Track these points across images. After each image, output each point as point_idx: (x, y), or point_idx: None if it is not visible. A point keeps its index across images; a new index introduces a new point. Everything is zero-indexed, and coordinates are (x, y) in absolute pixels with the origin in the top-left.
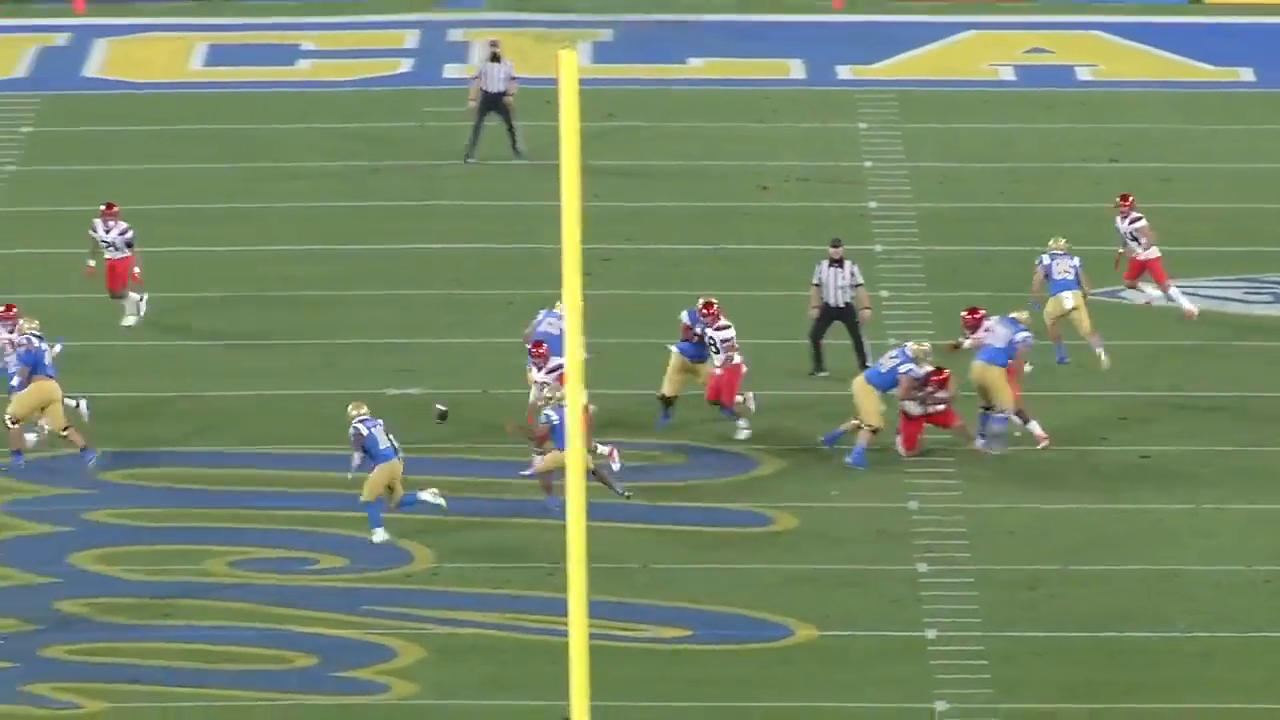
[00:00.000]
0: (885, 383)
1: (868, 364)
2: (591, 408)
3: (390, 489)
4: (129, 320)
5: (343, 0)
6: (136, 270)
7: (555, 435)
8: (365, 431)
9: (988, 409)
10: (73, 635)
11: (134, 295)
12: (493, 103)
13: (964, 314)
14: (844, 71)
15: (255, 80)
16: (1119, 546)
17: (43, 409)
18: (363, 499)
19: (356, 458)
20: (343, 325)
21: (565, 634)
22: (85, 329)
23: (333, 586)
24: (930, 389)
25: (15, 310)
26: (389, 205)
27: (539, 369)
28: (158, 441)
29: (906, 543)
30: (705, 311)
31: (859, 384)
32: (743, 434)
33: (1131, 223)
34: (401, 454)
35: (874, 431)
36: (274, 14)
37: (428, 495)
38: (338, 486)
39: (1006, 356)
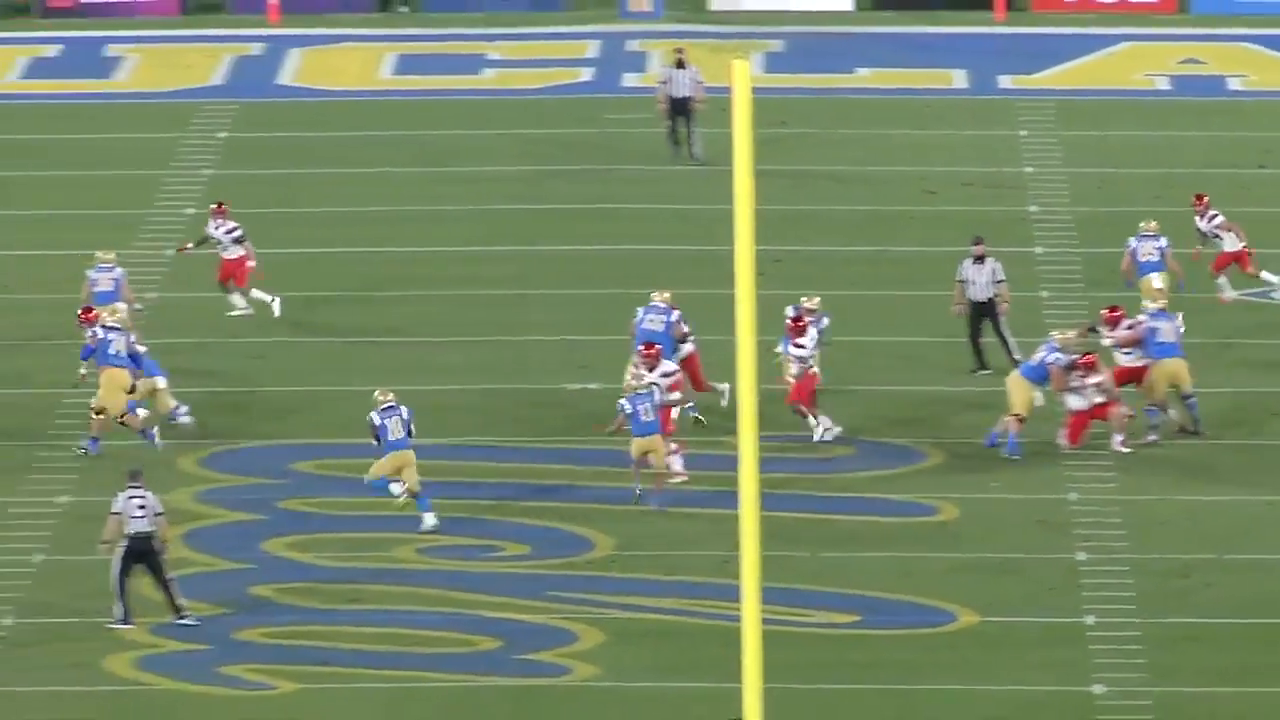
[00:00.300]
0: (1038, 375)
1: (1015, 356)
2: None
3: (400, 474)
4: (237, 311)
5: (528, 11)
6: (252, 264)
7: (632, 422)
8: (378, 422)
9: (1153, 404)
10: (266, 619)
11: (245, 292)
12: (680, 107)
13: (1103, 312)
14: (1005, 81)
15: (442, 88)
16: (1270, 536)
17: (122, 395)
18: (366, 478)
19: (376, 444)
20: (525, 323)
21: (739, 619)
22: (275, 326)
23: (516, 573)
24: (1079, 373)
25: (94, 314)
26: (569, 208)
27: (649, 370)
28: (348, 433)
29: (1066, 532)
30: (793, 325)
31: (1013, 378)
32: (819, 434)
33: (1210, 220)
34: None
35: (1020, 420)
36: (461, 25)
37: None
38: (522, 477)
39: (1180, 347)
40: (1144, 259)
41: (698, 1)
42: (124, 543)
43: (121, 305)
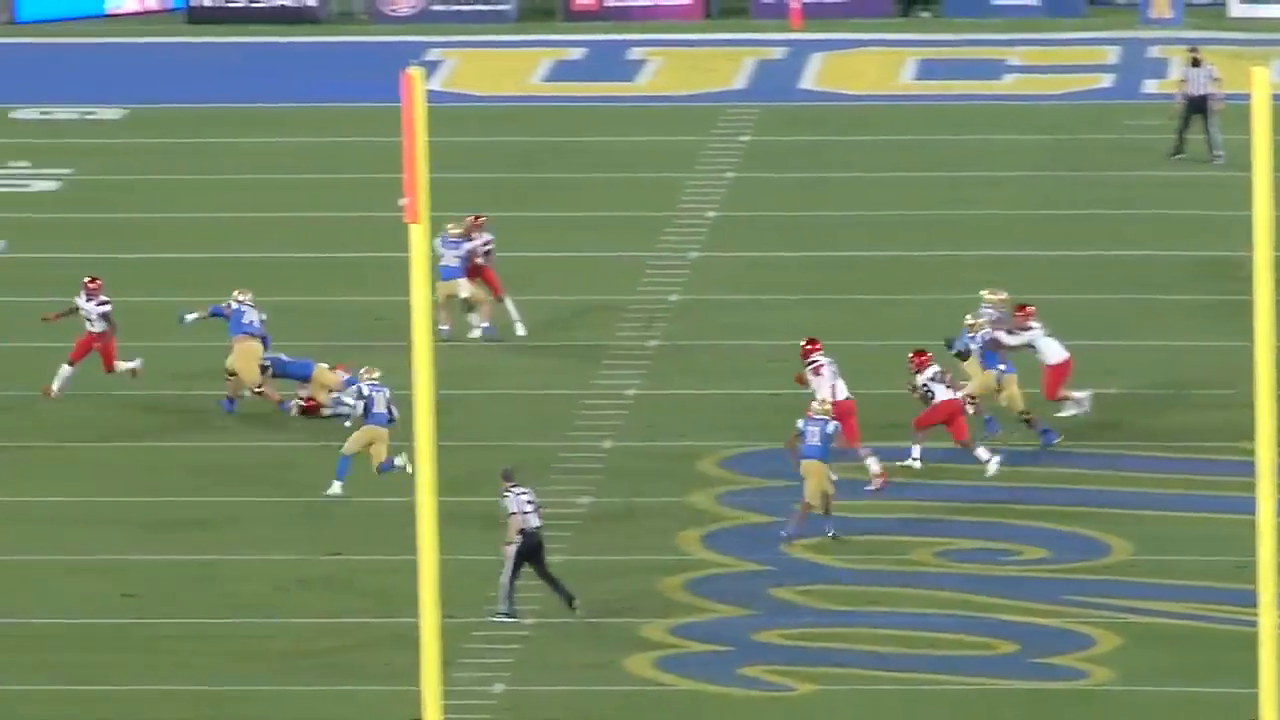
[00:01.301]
0: None
1: None
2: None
3: (371, 451)
4: (475, 333)
5: (1047, 17)
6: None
7: (801, 442)
8: (367, 393)
9: None
10: (785, 620)
11: (509, 305)
12: (1197, 106)
13: None
14: None
15: (962, 94)
16: None
17: (255, 364)
18: (342, 451)
19: (359, 406)
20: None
21: (1255, 625)
22: (793, 329)
23: (1034, 577)
24: None
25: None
26: (1087, 214)
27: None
28: (864, 437)
29: None
30: (915, 358)
31: None
32: (913, 460)
33: None
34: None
35: None
36: (983, 30)
37: (400, 460)
38: (1036, 481)
39: None
40: None
41: (1218, 9)
42: (518, 540)
43: (464, 282)
